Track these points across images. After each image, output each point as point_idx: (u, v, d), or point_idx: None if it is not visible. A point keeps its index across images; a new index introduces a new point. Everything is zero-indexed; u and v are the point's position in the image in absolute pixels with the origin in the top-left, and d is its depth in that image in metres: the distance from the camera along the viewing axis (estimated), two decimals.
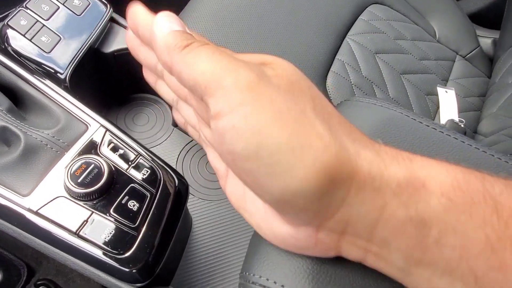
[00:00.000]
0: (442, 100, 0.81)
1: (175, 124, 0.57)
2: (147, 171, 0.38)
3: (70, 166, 0.35)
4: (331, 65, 0.73)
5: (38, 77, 0.40)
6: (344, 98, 0.71)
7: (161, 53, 0.21)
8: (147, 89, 0.59)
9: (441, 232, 0.18)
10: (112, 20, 0.51)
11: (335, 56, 0.75)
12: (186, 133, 0.62)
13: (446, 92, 0.82)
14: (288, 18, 0.74)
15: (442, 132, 0.31)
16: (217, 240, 0.50)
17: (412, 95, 0.78)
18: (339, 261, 0.22)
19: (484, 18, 1.00)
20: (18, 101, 0.40)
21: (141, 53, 0.26)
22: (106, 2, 0.49)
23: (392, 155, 0.20)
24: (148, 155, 0.39)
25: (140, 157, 0.38)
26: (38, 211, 0.34)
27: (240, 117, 0.18)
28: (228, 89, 0.18)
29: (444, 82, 0.84)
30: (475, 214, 0.18)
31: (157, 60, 0.24)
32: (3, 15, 0.45)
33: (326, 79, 0.71)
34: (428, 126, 0.32)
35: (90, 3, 0.48)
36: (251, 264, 0.26)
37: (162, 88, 0.28)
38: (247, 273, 0.26)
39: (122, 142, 0.39)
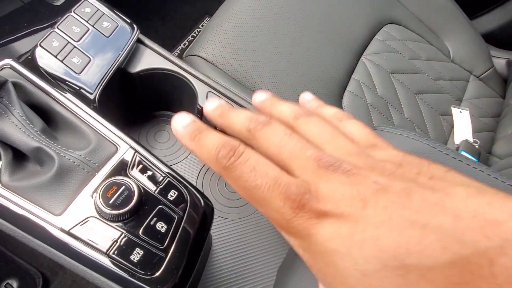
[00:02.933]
0: (457, 120, 0.81)
1: None
2: (175, 193, 0.38)
3: (102, 187, 0.36)
4: (347, 84, 0.74)
5: (69, 98, 0.42)
6: (360, 118, 0.72)
7: None
8: (169, 107, 0.60)
9: None
10: (138, 41, 0.53)
11: (351, 75, 0.76)
12: None
13: (461, 112, 0.82)
14: (306, 37, 0.75)
15: (469, 165, 0.32)
16: (236, 259, 0.50)
17: (426, 115, 0.78)
18: None
19: (498, 38, 1.01)
20: (50, 121, 0.41)
21: None
22: (133, 25, 0.51)
23: None
24: (176, 177, 0.40)
25: (168, 178, 0.39)
26: (70, 230, 0.35)
27: None
28: None
29: (458, 102, 0.85)
30: None
31: None
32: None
33: (342, 99, 0.72)
34: (454, 158, 0.32)
35: (118, 25, 0.49)
36: None
37: None
38: None
39: (150, 164, 0.40)
